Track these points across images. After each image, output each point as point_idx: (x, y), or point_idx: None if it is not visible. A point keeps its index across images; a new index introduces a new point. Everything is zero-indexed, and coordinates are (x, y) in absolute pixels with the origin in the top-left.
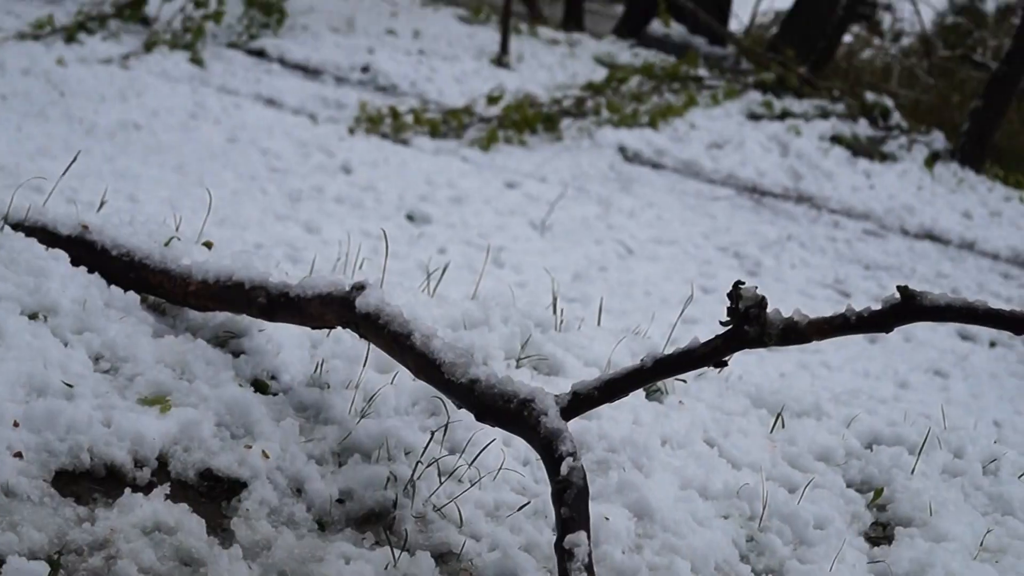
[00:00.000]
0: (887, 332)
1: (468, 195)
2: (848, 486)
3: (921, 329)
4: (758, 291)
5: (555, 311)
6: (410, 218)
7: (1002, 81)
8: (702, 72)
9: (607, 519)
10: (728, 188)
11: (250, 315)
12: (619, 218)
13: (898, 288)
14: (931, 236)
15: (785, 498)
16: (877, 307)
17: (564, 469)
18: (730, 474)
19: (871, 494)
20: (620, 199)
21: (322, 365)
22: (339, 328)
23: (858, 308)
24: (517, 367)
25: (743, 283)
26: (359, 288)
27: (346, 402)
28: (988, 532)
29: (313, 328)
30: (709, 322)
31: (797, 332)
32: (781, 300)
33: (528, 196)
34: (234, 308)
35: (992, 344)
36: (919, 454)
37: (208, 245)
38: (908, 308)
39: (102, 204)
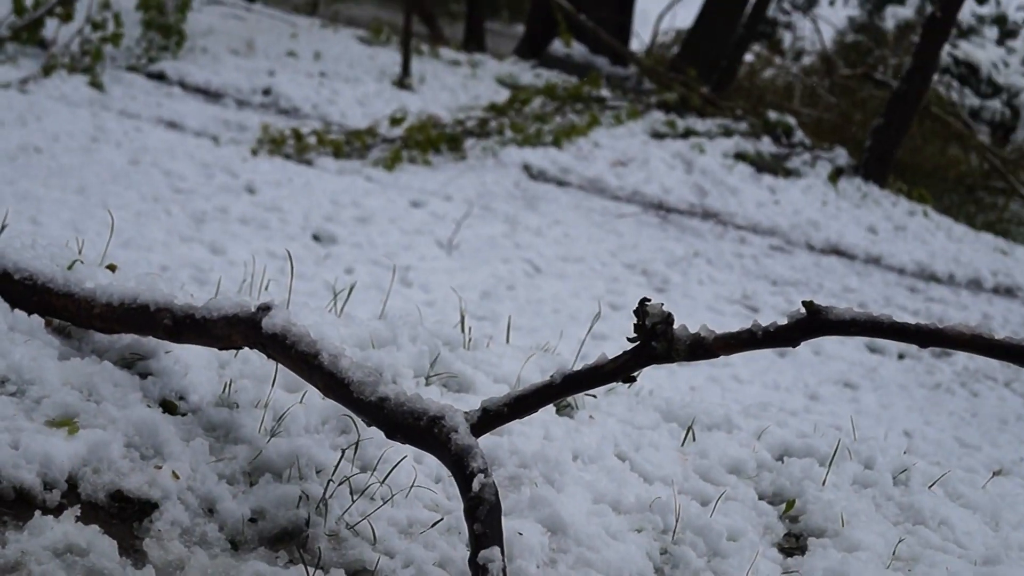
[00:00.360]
0: (794, 346)
1: (374, 215)
2: (760, 498)
3: (830, 342)
4: (664, 308)
5: (463, 329)
6: (316, 238)
7: (903, 98)
8: (605, 92)
9: (520, 534)
10: (634, 205)
11: (156, 337)
12: (526, 236)
13: (804, 303)
14: (837, 251)
15: (698, 511)
16: (783, 322)
17: (476, 485)
18: (642, 488)
19: (783, 506)
20: (526, 217)
21: (230, 385)
22: (246, 348)
23: (766, 323)
24: (427, 385)
25: (649, 300)
26: (265, 309)
27: (256, 421)
28: (900, 541)
29: (220, 349)
30: (618, 338)
31: (704, 347)
32: (690, 316)
33: (434, 215)
34: (140, 330)
35: (900, 356)
36: (830, 465)
37: (112, 268)
38: (814, 323)
39: (3, 227)
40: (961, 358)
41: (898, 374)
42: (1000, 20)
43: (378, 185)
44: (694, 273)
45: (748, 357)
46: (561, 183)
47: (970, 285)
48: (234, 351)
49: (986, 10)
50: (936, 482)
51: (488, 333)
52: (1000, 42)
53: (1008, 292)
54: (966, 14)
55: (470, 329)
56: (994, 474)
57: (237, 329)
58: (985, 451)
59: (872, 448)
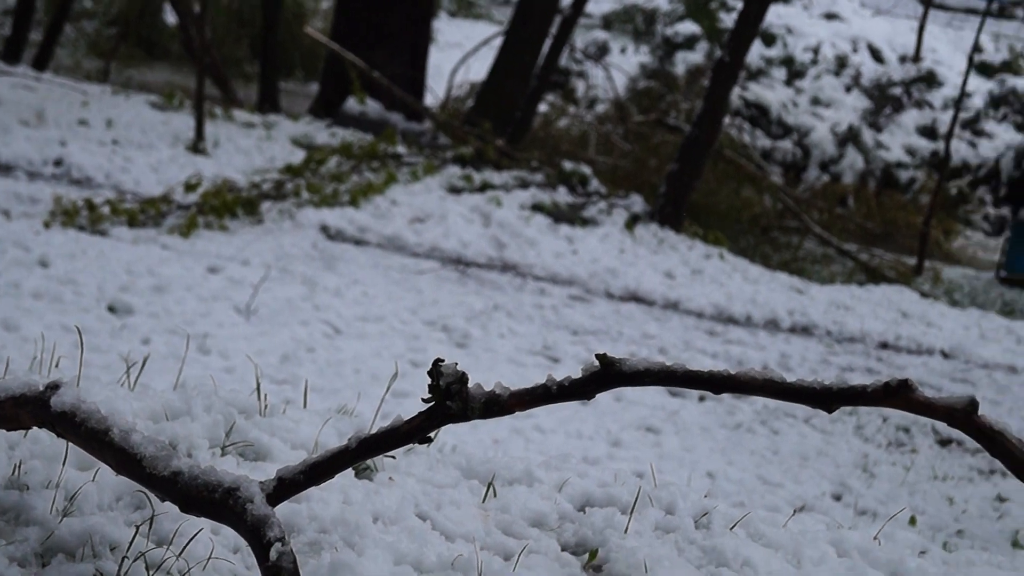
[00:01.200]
0: (589, 399)
1: (170, 283)
2: (563, 549)
3: (630, 389)
4: (459, 367)
5: (259, 396)
6: (111, 310)
7: (695, 143)
8: (400, 149)
9: None
10: (433, 261)
11: None
12: (325, 297)
13: (597, 356)
14: (636, 298)
15: (500, 566)
16: (578, 376)
17: (273, 555)
18: (444, 546)
19: (586, 556)
20: (325, 278)
21: (20, 467)
22: (36, 428)
23: (567, 372)
24: (223, 455)
25: (443, 360)
26: (53, 387)
27: (47, 502)
28: None
29: (9, 430)
30: (419, 395)
31: (499, 405)
32: (491, 369)
33: (231, 280)
34: None
35: (701, 399)
36: (631, 513)
37: None
38: (608, 375)
39: None
40: (760, 398)
41: (699, 416)
42: (788, 61)
43: (174, 253)
44: (494, 327)
45: (550, 407)
46: (359, 242)
47: (767, 326)
48: (23, 431)
49: (774, 52)
50: (737, 523)
51: (288, 397)
52: (788, 83)
53: (805, 331)
54: (754, 57)
55: (266, 396)
56: (795, 511)
57: (25, 409)
58: (788, 488)
59: (673, 493)
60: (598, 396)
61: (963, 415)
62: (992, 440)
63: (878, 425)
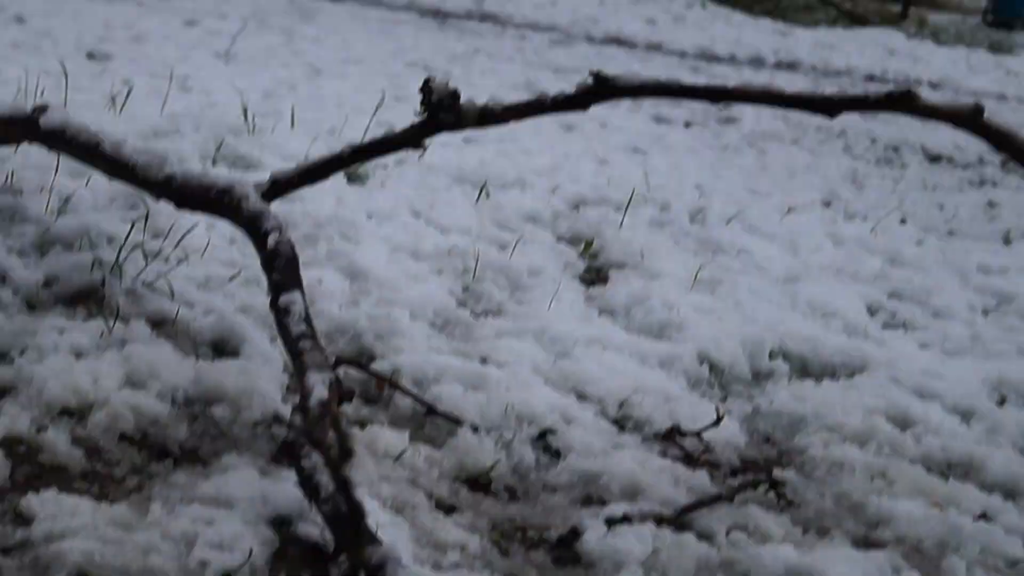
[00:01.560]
0: (584, 110)
1: (148, 34)
2: (559, 241)
3: (616, 116)
4: (450, 85)
5: (246, 118)
6: (91, 56)
7: None
8: None
9: (320, 282)
10: (411, 13)
11: None
12: (304, 44)
13: (591, 72)
14: (618, 41)
15: (497, 254)
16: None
17: (271, 242)
18: (440, 238)
19: (582, 245)
20: (303, 28)
21: (12, 175)
22: (27, 145)
23: None
24: (213, 166)
25: (433, 78)
26: (41, 109)
27: (41, 204)
28: (701, 268)
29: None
30: (404, 125)
31: (493, 115)
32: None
33: (209, 31)
34: None
35: (687, 124)
36: (626, 210)
37: None
38: (604, 87)
39: None
40: (748, 123)
41: (686, 139)
42: None
43: (149, 9)
44: (476, 67)
45: (535, 132)
46: None
47: (752, 63)
48: (14, 147)
49: None
50: (733, 219)
51: (273, 126)
52: None
53: (790, 67)
54: None
55: (253, 116)
56: (789, 210)
57: (15, 128)
58: (776, 197)
59: (667, 194)
60: (583, 122)
61: (969, 116)
62: (1002, 138)
63: (867, 145)
